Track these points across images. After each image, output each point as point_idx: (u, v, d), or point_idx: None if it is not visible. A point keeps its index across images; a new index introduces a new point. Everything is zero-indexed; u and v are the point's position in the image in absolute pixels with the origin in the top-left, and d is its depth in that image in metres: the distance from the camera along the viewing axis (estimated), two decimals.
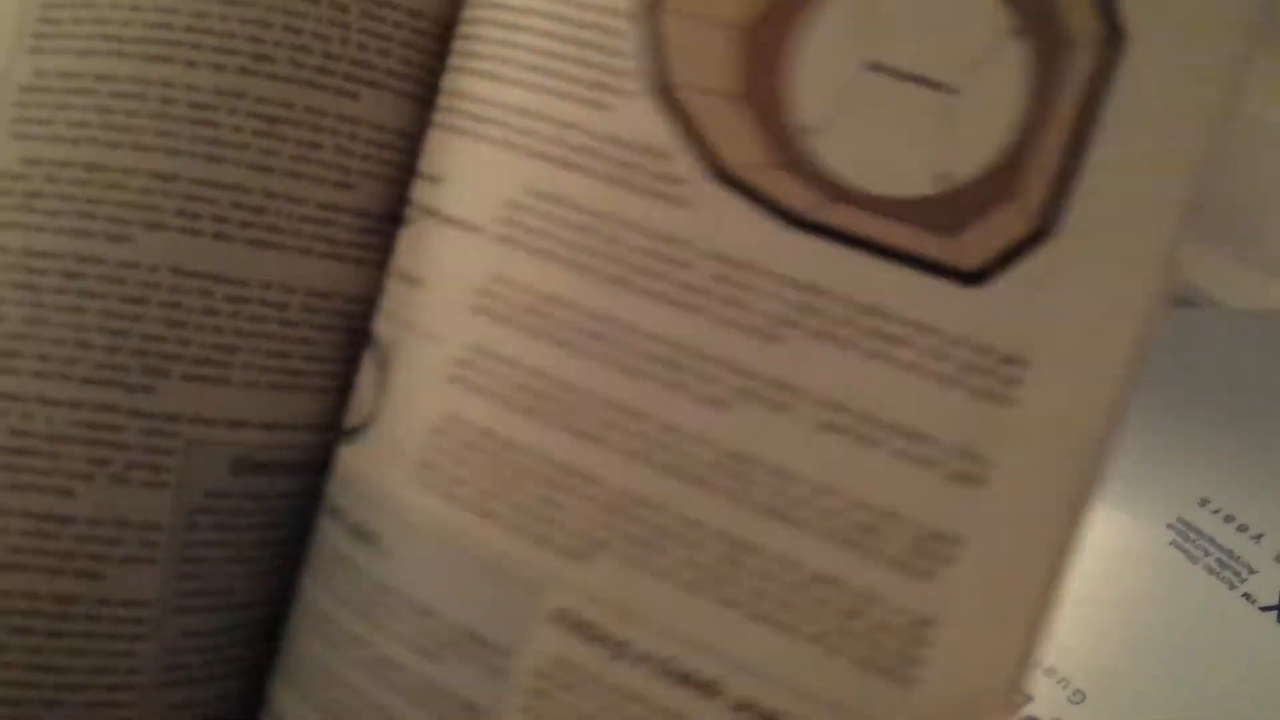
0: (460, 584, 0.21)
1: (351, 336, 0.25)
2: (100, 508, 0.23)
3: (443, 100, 0.24)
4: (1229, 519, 0.34)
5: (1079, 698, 0.31)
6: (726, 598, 0.19)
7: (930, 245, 0.18)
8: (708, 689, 0.19)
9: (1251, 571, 0.32)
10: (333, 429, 0.25)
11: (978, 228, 0.18)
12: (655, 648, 0.20)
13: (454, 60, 0.24)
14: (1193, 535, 0.33)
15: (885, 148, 0.18)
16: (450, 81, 0.24)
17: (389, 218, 0.25)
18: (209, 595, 0.24)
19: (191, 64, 0.23)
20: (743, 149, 0.19)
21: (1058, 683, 0.31)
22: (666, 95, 0.20)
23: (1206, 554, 0.33)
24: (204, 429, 0.23)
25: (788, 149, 0.19)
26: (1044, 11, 0.18)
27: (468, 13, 0.24)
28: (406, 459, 0.22)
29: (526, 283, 0.21)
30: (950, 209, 0.18)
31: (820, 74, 0.19)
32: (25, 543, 0.22)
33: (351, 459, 0.23)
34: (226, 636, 0.25)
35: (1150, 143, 0.18)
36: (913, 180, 0.18)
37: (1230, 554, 0.33)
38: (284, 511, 0.25)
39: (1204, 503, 0.34)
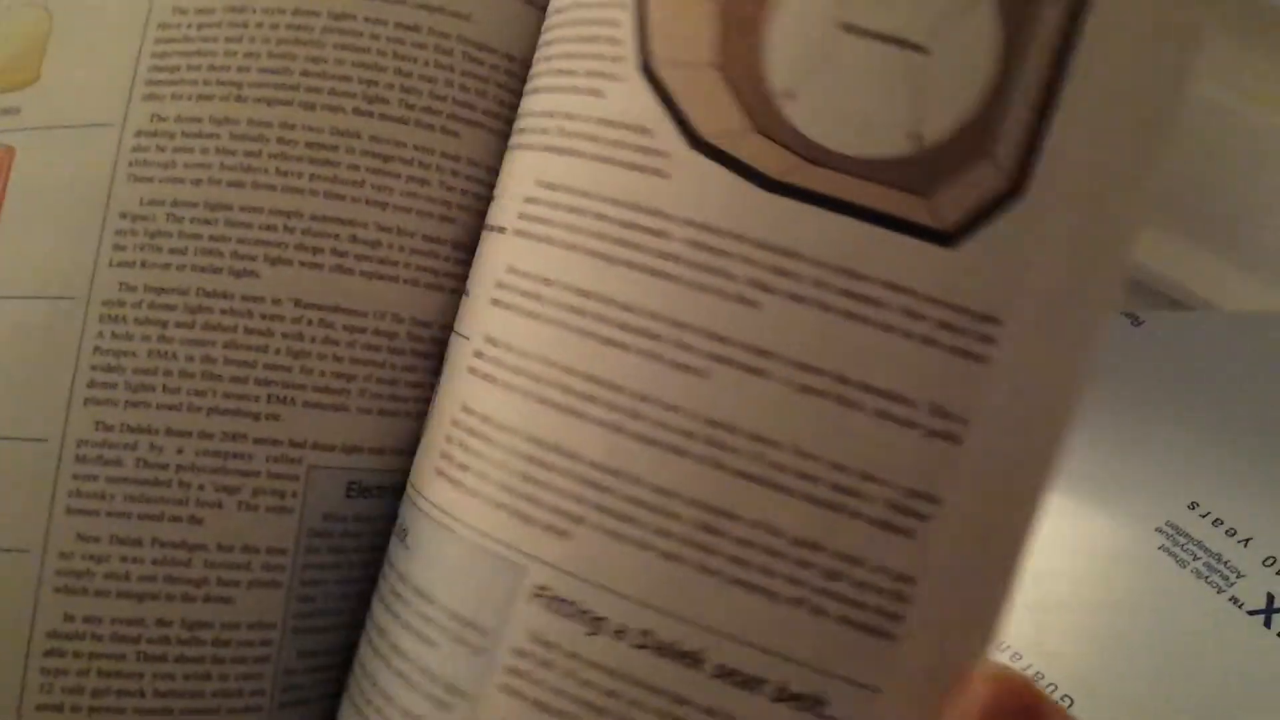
0: (452, 568, 0.21)
1: (441, 362, 0.26)
2: (229, 534, 0.23)
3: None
4: (1218, 523, 0.34)
5: (1066, 702, 0.31)
6: (705, 566, 0.19)
7: (904, 205, 0.18)
8: (689, 658, 0.19)
9: (1239, 575, 0.33)
10: None
11: (951, 187, 0.18)
12: (634, 620, 0.19)
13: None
14: (1181, 539, 0.34)
15: (858, 108, 0.19)
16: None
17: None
18: (323, 616, 0.25)
19: (309, 106, 0.24)
20: (719, 116, 0.19)
21: (1045, 687, 0.31)
22: (649, 72, 0.20)
23: (1195, 558, 0.33)
24: (324, 455, 0.24)
25: (763, 114, 0.19)
26: None
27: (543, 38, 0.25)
28: (432, 453, 0.23)
29: (527, 269, 0.21)
30: (924, 168, 0.18)
31: (794, 37, 0.19)
32: (157, 571, 0.23)
33: (411, 467, 0.24)
34: (337, 657, 0.25)
35: (1115, 100, 0.18)
36: (886, 140, 0.19)
37: (1218, 558, 0.33)
38: (384, 534, 0.26)
39: (1193, 506, 0.34)
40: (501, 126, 0.26)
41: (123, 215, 0.24)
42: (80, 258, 0.24)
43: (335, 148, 0.24)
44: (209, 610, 0.23)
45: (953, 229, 0.19)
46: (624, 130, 0.20)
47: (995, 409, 0.19)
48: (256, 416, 0.23)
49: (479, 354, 0.22)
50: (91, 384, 0.23)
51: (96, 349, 0.23)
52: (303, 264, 0.24)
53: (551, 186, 0.21)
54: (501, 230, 0.23)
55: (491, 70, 0.26)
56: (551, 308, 0.21)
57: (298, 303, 0.24)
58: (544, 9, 0.26)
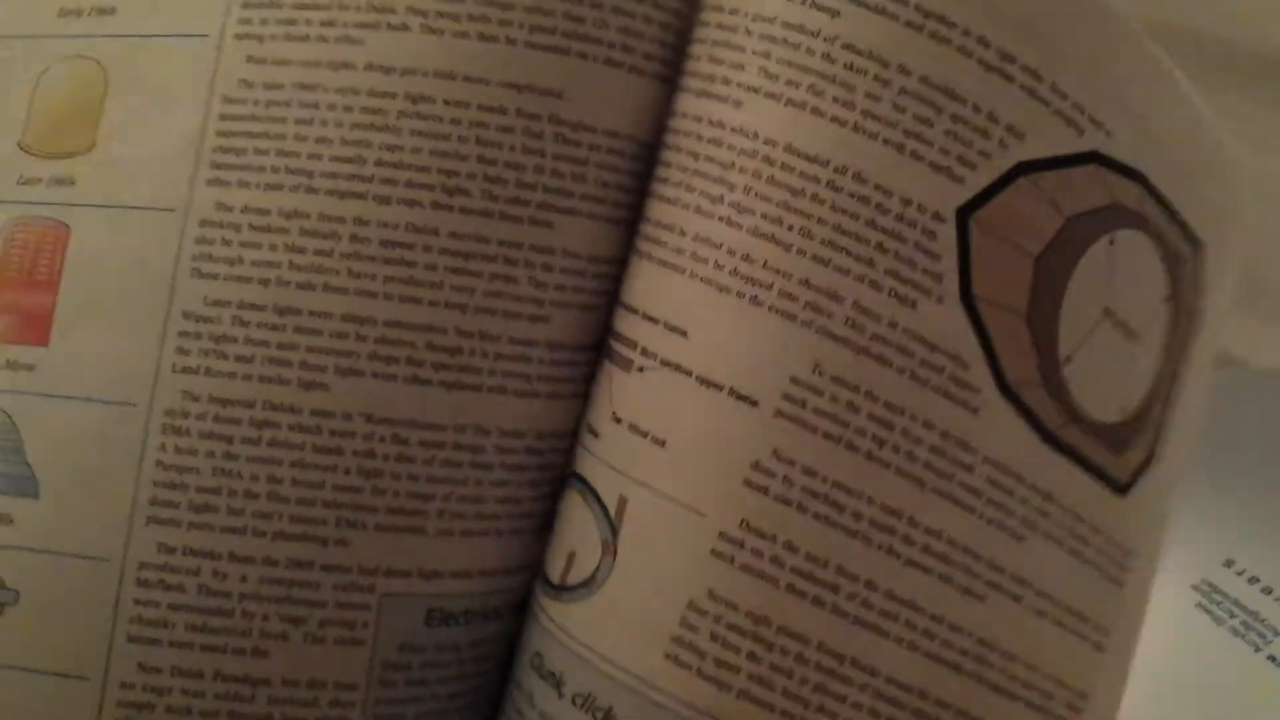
0: None
1: (543, 474, 0.24)
2: (295, 668, 0.22)
3: (666, 238, 0.22)
4: (1254, 580, 0.34)
5: None
6: None
7: (1111, 463, 0.23)
8: None
9: (1276, 634, 0.33)
10: (525, 570, 0.24)
11: (1128, 451, 0.23)
12: None
13: (681, 195, 0.22)
14: (1217, 597, 0.34)
15: (1104, 381, 0.22)
16: (679, 219, 0.22)
17: (583, 347, 0.24)
18: None
19: (384, 200, 0.22)
20: (1022, 366, 0.21)
21: None
22: (969, 305, 0.21)
23: (1231, 616, 0.33)
24: (398, 581, 0.22)
25: (1050, 372, 0.21)
26: (1189, 285, 0.23)
27: (697, 147, 0.22)
28: (653, 633, 0.21)
29: (810, 464, 0.20)
30: (1121, 435, 0.23)
31: (1077, 310, 0.22)
32: (220, 706, 0.21)
33: (567, 619, 0.22)
34: None
35: (1197, 393, 0.24)
36: (1111, 410, 0.22)
37: (1255, 616, 0.33)
38: (476, 660, 0.24)
39: (1229, 564, 0.34)
40: (607, 211, 0.23)
41: (186, 315, 0.22)
42: (142, 360, 0.22)
43: (411, 246, 0.22)
44: None
45: (1126, 482, 0.23)
46: (941, 356, 0.21)
47: (1125, 623, 0.24)
48: (324, 542, 0.22)
49: (732, 540, 0.21)
50: (154, 501, 0.22)
51: (159, 463, 0.22)
52: (375, 375, 0.22)
53: (842, 383, 0.21)
54: (748, 402, 0.21)
55: (591, 151, 0.23)
56: (854, 519, 0.21)
57: (369, 418, 0.22)
58: (655, 76, 0.23)
